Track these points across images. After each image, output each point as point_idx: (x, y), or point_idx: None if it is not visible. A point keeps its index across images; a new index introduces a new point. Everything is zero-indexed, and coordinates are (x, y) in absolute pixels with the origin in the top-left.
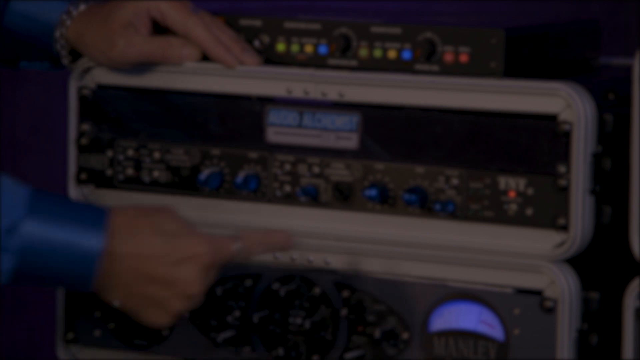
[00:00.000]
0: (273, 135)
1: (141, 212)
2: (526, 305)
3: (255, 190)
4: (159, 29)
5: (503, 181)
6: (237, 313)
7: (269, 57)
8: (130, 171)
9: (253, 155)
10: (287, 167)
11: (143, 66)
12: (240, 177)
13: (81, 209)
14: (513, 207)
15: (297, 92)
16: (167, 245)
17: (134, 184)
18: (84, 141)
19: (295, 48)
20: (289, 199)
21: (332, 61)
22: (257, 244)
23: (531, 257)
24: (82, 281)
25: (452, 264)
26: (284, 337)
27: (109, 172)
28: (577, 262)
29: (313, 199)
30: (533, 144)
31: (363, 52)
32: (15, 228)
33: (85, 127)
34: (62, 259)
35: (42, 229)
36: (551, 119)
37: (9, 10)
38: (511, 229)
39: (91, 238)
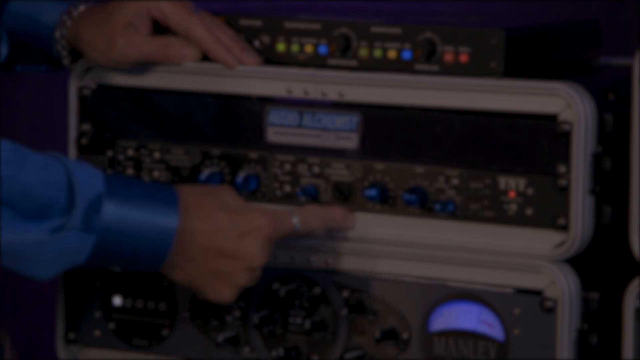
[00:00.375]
0: (273, 135)
1: (206, 190)
2: (526, 305)
3: (255, 190)
4: (160, 28)
5: (503, 181)
6: (237, 313)
7: (269, 57)
8: (130, 171)
9: (253, 155)
10: (287, 167)
11: (143, 66)
12: (240, 177)
13: (153, 189)
14: (513, 207)
15: (297, 92)
16: (231, 220)
17: None
18: (84, 141)
19: (295, 48)
20: (289, 199)
21: (332, 61)
22: (315, 219)
23: (531, 257)
24: (155, 260)
25: (452, 264)
26: (284, 337)
27: (109, 172)
28: (577, 262)
29: (313, 199)
30: (533, 144)
31: (363, 52)
32: (95, 208)
33: (85, 127)
34: (139, 239)
35: (120, 209)
36: (551, 119)
37: (7, 11)
38: (511, 229)
39: (166, 217)
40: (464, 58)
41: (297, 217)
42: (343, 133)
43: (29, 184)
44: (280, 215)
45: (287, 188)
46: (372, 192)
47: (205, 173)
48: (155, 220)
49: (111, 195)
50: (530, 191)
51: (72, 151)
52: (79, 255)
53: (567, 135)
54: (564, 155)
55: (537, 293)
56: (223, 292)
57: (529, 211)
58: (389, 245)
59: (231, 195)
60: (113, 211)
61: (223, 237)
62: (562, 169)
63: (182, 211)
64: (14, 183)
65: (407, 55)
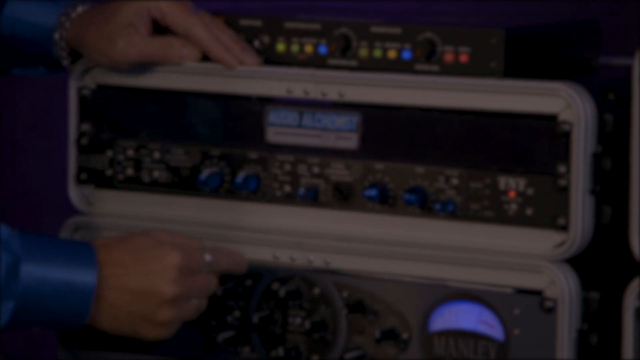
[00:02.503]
0: (273, 135)
1: (120, 239)
2: (526, 305)
3: (255, 190)
4: (160, 29)
5: (503, 181)
6: (237, 313)
7: (269, 57)
8: (130, 171)
9: (253, 155)
10: (287, 167)
11: (143, 66)
12: (240, 177)
13: (70, 247)
14: (513, 207)
15: (297, 92)
16: (138, 260)
17: (134, 184)
18: (84, 141)
19: (295, 48)
20: (289, 199)
21: (332, 61)
22: (224, 259)
23: (531, 257)
24: (78, 317)
25: (452, 264)
26: (284, 337)
27: (109, 172)
28: (577, 262)
29: (313, 199)
30: (533, 144)
31: (363, 52)
32: (13, 274)
33: (85, 127)
34: (59, 298)
35: (39, 271)
36: (551, 119)
37: (4, 15)
38: (511, 229)
39: (85, 275)
40: (464, 58)
41: (209, 255)
42: (343, 133)
43: None
44: (192, 248)
45: (287, 188)
46: (372, 192)
47: (205, 173)
48: (75, 280)
49: (29, 257)
50: (530, 191)
51: (72, 151)
52: None
53: (567, 135)
54: (564, 155)
55: (537, 293)
56: (153, 332)
57: (529, 211)
58: (389, 245)
59: (142, 237)
60: (31, 273)
61: (131, 278)
62: (562, 169)
63: (99, 267)
64: None
65: (407, 55)
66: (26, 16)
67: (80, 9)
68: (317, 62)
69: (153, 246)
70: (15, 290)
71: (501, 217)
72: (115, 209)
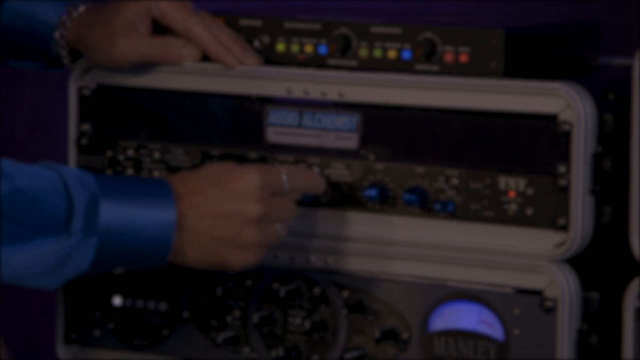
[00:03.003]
0: (273, 135)
1: (191, 171)
2: (526, 305)
3: None
4: (160, 28)
5: (503, 181)
6: (237, 313)
7: (269, 57)
8: (130, 171)
9: (253, 155)
10: None
11: (143, 66)
12: None
13: (146, 184)
14: (513, 207)
15: (297, 92)
16: (217, 184)
17: None
18: (84, 141)
19: (295, 48)
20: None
21: (332, 61)
22: (300, 179)
23: (531, 257)
24: (161, 251)
25: (452, 264)
26: (284, 337)
27: (109, 172)
28: (577, 262)
29: (313, 199)
30: (533, 144)
31: (363, 52)
32: (93, 210)
33: (85, 127)
34: (141, 234)
35: (117, 208)
36: (551, 119)
37: (5, 7)
38: (511, 229)
39: (163, 210)
40: (464, 58)
41: (286, 175)
42: (343, 133)
43: (33, 195)
44: (270, 169)
45: None
46: (372, 192)
47: None
48: (154, 213)
49: (106, 196)
50: (530, 191)
51: (72, 151)
52: (84, 260)
53: (567, 135)
54: (564, 155)
55: (537, 293)
56: (241, 257)
57: (529, 211)
58: (389, 245)
59: (216, 164)
60: (110, 211)
61: (213, 203)
62: (562, 169)
63: (176, 199)
64: (20, 196)
65: (407, 55)
66: (27, 11)
67: (82, 8)
68: (317, 62)
69: (229, 169)
70: (96, 226)
71: (501, 217)
72: None
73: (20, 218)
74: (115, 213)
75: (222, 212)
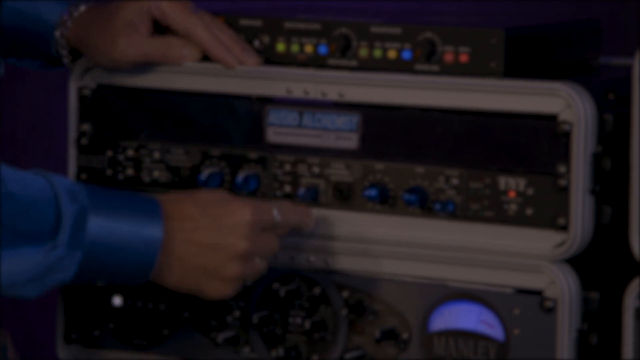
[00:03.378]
0: (273, 135)
1: (184, 195)
2: (526, 305)
3: (255, 190)
4: (160, 28)
5: (503, 181)
6: (237, 313)
7: (269, 57)
8: (130, 171)
9: (253, 155)
10: (287, 167)
11: (143, 66)
12: (240, 177)
13: (135, 201)
14: (513, 207)
15: (297, 92)
16: (209, 215)
17: (134, 184)
18: (84, 141)
19: (295, 48)
20: (289, 199)
21: (332, 61)
22: (291, 213)
23: (531, 257)
24: (143, 271)
25: (452, 264)
26: (284, 337)
27: (109, 172)
28: (577, 262)
29: (313, 199)
30: (533, 144)
31: (363, 52)
32: (81, 224)
33: (85, 127)
34: (125, 251)
35: (106, 222)
36: (551, 119)
37: (6, 5)
38: (511, 229)
39: (151, 227)
40: (464, 58)
41: (277, 209)
42: (343, 133)
43: (24, 201)
44: (260, 205)
45: (287, 188)
46: (372, 192)
47: (205, 173)
48: (141, 232)
49: (95, 209)
50: (530, 191)
51: (72, 151)
52: (66, 272)
53: (567, 135)
54: (564, 155)
55: (537, 293)
56: (218, 288)
57: (529, 211)
58: (389, 245)
59: (210, 193)
60: (98, 225)
61: (202, 231)
62: (562, 169)
63: (165, 220)
64: (11, 201)
65: (407, 55)
66: (28, 10)
67: (82, 7)
68: (317, 62)
69: (222, 201)
70: (82, 241)
71: (501, 217)
72: None
73: (8, 224)
74: (103, 228)
75: (209, 243)
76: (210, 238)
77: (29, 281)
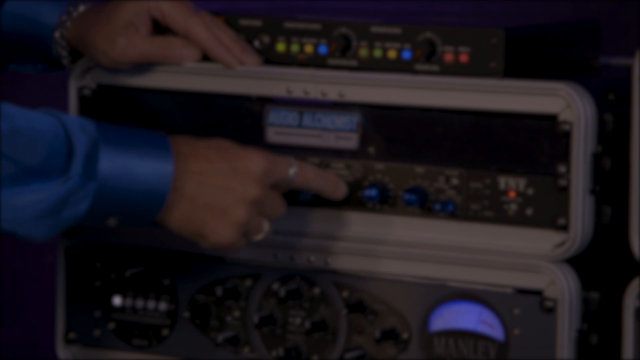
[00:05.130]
0: (273, 135)
1: (199, 138)
2: (526, 305)
3: None
4: (160, 28)
5: (503, 181)
6: (237, 313)
7: (269, 57)
8: None
9: None
10: None
11: (143, 66)
12: None
13: (146, 136)
14: (513, 207)
15: (297, 92)
16: (225, 158)
17: None
18: None
19: (295, 48)
20: (289, 199)
21: (332, 61)
22: (312, 176)
23: (531, 257)
24: (153, 205)
25: (452, 264)
26: (284, 337)
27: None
28: (577, 262)
29: (313, 199)
30: (533, 144)
31: (363, 52)
32: (93, 156)
33: None
34: (137, 183)
35: (116, 156)
36: (551, 119)
37: (4, 10)
38: (511, 229)
39: (162, 161)
40: (464, 58)
41: (296, 168)
42: (343, 133)
43: (33, 137)
44: (279, 159)
45: None
46: (372, 192)
47: None
48: (152, 164)
49: (106, 142)
50: (530, 191)
51: None
52: (81, 205)
53: (567, 135)
54: (564, 155)
55: (537, 293)
56: (222, 231)
57: (529, 211)
58: (389, 245)
59: (226, 140)
60: (110, 158)
61: (216, 172)
62: (562, 169)
63: (176, 155)
64: (20, 136)
65: (407, 55)
66: (27, 13)
67: (82, 7)
68: (317, 62)
69: (237, 147)
70: (95, 171)
71: (501, 217)
72: None
73: (19, 159)
74: (115, 160)
75: (221, 185)
76: (223, 180)
77: (42, 216)
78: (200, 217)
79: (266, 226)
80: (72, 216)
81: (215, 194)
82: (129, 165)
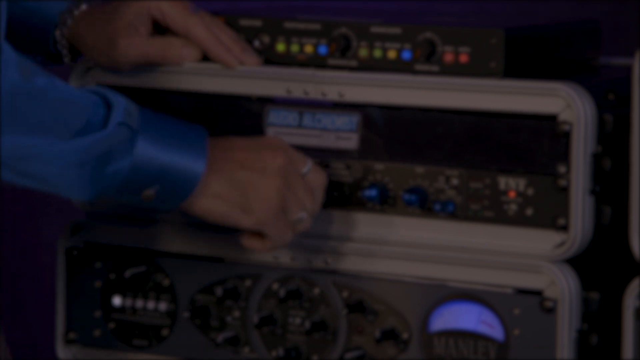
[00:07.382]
0: (273, 135)
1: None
2: (526, 305)
3: None
4: (160, 29)
5: (503, 181)
6: (237, 313)
7: (269, 57)
8: None
9: None
10: None
11: (143, 66)
12: None
13: (183, 127)
14: (513, 207)
15: (297, 92)
16: (251, 147)
17: None
18: None
19: (295, 48)
20: None
21: (332, 61)
22: (316, 186)
23: (531, 257)
24: (178, 197)
25: (452, 264)
26: (284, 337)
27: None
28: (577, 262)
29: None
30: (533, 144)
31: (363, 52)
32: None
33: None
34: (167, 177)
35: (153, 147)
36: (551, 119)
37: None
38: (511, 229)
39: (196, 159)
40: (464, 58)
41: (310, 167)
42: (343, 133)
43: (75, 98)
44: (297, 156)
45: None
46: (372, 192)
47: None
48: (185, 162)
49: (146, 132)
50: (530, 191)
51: None
52: (122, 161)
53: (567, 135)
54: (564, 155)
55: (537, 293)
56: (256, 212)
57: (529, 211)
58: (389, 245)
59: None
60: (145, 149)
61: (242, 149)
62: (562, 169)
63: (209, 154)
64: (66, 104)
65: (407, 55)
66: (31, 6)
67: (84, 6)
68: (317, 62)
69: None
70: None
71: (501, 217)
72: (115, 209)
73: (62, 122)
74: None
75: (251, 162)
76: (250, 153)
77: (86, 164)
78: (239, 188)
79: (305, 219)
80: (113, 173)
81: (244, 171)
82: (161, 161)
